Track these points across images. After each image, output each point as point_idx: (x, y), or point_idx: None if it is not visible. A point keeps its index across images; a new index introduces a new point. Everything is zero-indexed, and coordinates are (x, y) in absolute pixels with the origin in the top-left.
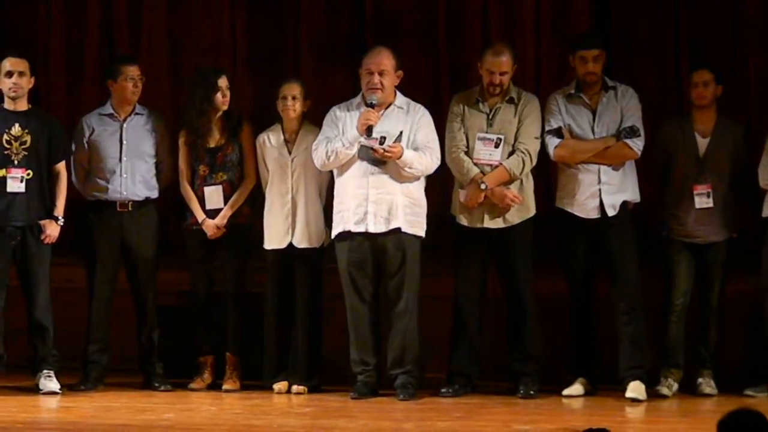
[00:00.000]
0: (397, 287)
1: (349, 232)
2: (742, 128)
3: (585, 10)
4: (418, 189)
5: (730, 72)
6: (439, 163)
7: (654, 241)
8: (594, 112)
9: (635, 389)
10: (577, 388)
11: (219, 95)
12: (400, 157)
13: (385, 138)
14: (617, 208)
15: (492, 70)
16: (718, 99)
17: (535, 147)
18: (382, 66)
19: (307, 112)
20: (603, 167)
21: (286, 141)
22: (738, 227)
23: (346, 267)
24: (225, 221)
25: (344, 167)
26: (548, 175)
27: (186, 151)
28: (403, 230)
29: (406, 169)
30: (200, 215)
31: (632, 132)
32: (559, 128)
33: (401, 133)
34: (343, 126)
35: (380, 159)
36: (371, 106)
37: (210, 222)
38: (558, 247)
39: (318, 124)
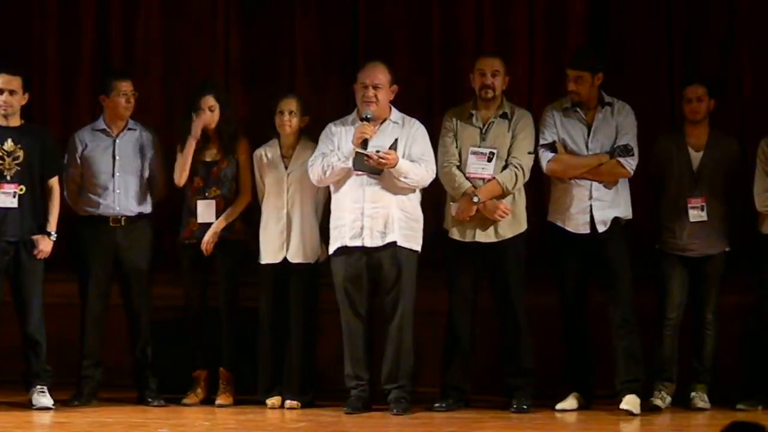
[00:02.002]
0: (392, 303)
1: (346, 247)
2: (735, 142)
3: (579, 26)
4: (413, 203)
5: (723, 87)
6: (434, 175)
7: (647, 254)
8: (589, 128)
9: (630, 402)
10: (570, 402)
11: (201, 114)
12: (395, 164)
13: (379, 152)
14: (608, 224)
15: (483, 71)
16: (711, 113)
17: (528, 162)
18: (377, 80)
19: (304, 128)
20: (595, 183)
21: (282, 156)
22: (732, 241)
23: (342, 282)
24: (215, 235)
25: (341, 182)
26: (541, 189)
27: None
28: (398, 244)
29: (402, 179)
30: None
31: (626, 151)
32: (553, 142)
33: (396, 140)
34: (339, 141)
35: (376, 168)
36: (366, 119)
37: (205, 239)
38: (551, 261)
39: (315, 139)
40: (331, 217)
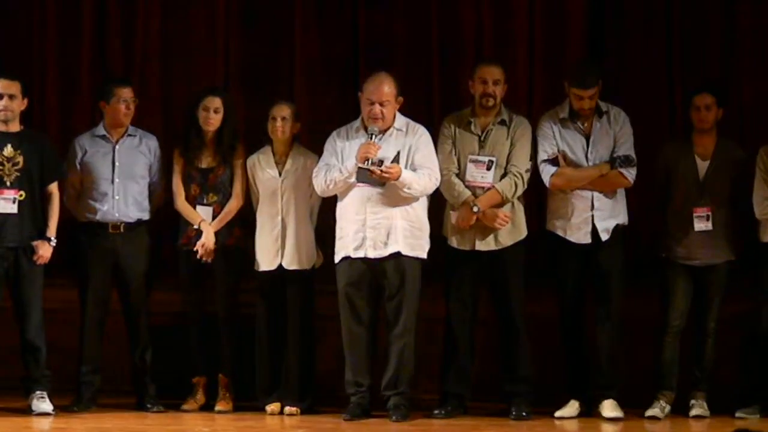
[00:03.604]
0: (395, 309)
1: (350, 257)
2: (742, 151)
3: (579, 34)
4: (419, 211)
5: (725, 94)
6: (438, 183)
7: (648, 261)
8: (587, 138)
9: (612, 408)
10: (569, 410)
11: (201, 112)
12: (398, 177)
13: (383, 161)
14: (610, 233)
15: (485, 79)
16: (718, 122)
17: (527, 170)
18: (383, 97)
19: (297, 135)
20: (596, 193)
21: (276, 163)
22: (737, 250)
23: (345, 288)
24: (210, 241)
25: (345, 193)
26: (540, 197)
27: (180, 170)
28: (403, 254)
29: (405, 190)
30: (197, 218)
31: (627, 161)
32: (555, 157)
33: (398, 153)
34: (342, 153)
35: (379, 181)
36: (371, 136)
37: (203, 240)
38: (550, 269)
39: (309, 144)
40: (336, 226)
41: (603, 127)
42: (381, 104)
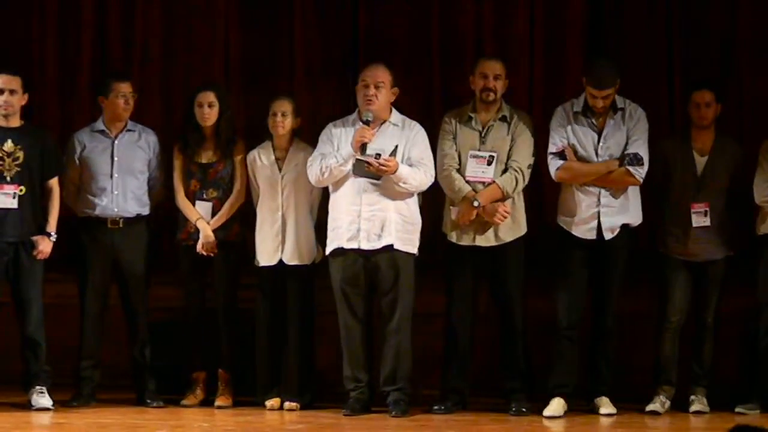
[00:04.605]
0: (390, 304)
1: (343, 248)
2: (740, 146)
3: (579, 29)
4: (412, 206)
5: (724, 90)
6: (433, 179)
7: (647, 256)
8: (600, 133)
9: (608, 405)
10: (556, 407)
11: (197, 109)
12: (395, 171)
13: (380, 155)
14: (616, 232)
15: (486, 74)
16: (717, 118)
17: (528, 166)
18: (378, 78)
19: (297, 130)
20: (603, 190)
21: (276, 158)
22: (735, 245)
23: (340, 284)
24: (209, 237)
25: (338, 184)
26: (542, 192)
27: (179, 166)
28: (395, 247)
29: (401, 184)
30: (195, 216)
31: (636, 160)
32: (563, 150)
33: (396, 147)
34: (338, 142)
35: (375, 174)
36: (366, 123)
37: (202, 239)
38: (556, 264)
39: (309, 141)
40: (328, 217)
41: (616, 124)
42: (375, 86)
